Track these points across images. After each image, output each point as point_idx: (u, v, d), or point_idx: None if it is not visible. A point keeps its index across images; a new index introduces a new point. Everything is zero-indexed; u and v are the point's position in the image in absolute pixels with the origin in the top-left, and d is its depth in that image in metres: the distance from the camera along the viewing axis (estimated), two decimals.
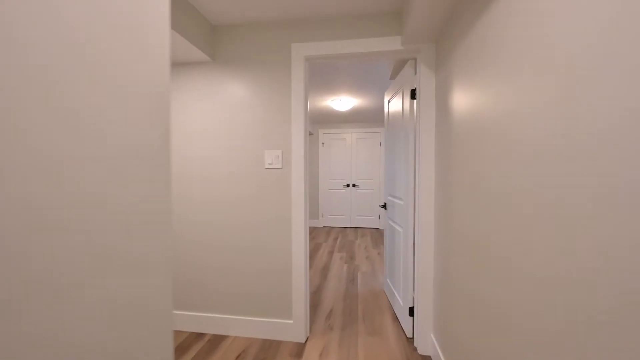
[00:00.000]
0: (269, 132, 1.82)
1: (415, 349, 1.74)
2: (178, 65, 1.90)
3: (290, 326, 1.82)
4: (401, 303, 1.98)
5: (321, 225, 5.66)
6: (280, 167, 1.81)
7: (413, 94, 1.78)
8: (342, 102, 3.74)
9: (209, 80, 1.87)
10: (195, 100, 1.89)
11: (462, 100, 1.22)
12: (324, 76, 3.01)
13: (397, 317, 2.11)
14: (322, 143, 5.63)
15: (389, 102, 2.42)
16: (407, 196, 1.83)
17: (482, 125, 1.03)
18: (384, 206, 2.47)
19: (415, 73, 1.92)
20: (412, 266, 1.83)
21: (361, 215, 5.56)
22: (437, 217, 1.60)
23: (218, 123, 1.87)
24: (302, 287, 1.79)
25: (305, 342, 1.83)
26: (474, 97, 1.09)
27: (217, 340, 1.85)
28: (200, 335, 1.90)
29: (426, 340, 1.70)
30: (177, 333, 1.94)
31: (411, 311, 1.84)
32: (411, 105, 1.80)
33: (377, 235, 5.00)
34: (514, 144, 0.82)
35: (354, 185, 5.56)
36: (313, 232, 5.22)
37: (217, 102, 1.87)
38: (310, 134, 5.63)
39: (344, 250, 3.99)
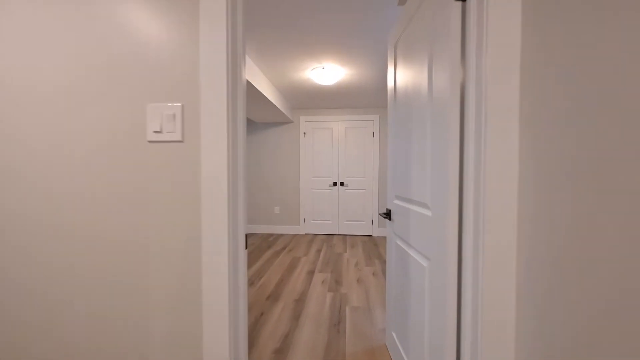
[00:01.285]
0: (156, 70, 0.85)
1: None
2: None
3: None
4: None
5: (302, 233, 4.71)
6: (180, 139, 0.84)
7: None
8: (326, 71, 2.80)
9: None
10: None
11: None
12: (298, 28, 2.06)
13: None
14: (304, 133, 4.67)
15: (395, 48, 1.50)
16: (441, 202, 0.91)
17: None
18: (388, 215, 1.55)
19: None
20: (453, 341, 0.91)
21: (351, 220, 4.64)
22: (536, 250, 0.68)
23: (44, 48, 0.88)
24: None
25: None
26: None
27: None
28: None
29: None
30: None
31: None
32: (453, 28, 0.87)
33: (370, 245, 4.08)
34: None
35: (342, 184, 4.63)
36: (292, 241, 4.26)
37: (45, 5, 0.88)
38: (290, 121, 4.66)
39: (329, 269, 3.05)
